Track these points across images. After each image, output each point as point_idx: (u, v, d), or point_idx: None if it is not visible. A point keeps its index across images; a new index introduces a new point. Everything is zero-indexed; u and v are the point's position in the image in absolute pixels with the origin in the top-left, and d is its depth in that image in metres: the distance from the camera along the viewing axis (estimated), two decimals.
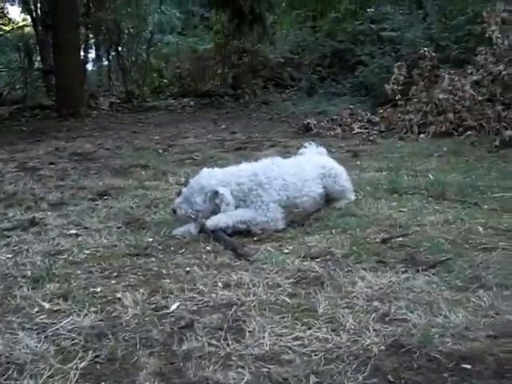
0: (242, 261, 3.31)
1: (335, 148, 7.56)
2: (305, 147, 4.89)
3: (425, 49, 8.83)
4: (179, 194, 4.28)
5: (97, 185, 5.51)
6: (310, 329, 2.42)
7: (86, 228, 4.08)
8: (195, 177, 4.05)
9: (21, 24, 20.39)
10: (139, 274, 3.17)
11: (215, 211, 3.88)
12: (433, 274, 3.01)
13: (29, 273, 3.17)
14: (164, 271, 3.19)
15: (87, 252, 3.54)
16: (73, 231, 3.98)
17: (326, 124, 9.38)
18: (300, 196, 4.09)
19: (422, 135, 8.24)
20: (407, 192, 4.87)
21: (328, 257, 3.37)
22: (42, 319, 2.57)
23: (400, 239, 3.63)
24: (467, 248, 3.43)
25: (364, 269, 3.12)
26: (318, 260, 3.31)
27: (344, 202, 4.47)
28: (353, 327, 2.42)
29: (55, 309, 2.67)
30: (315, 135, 8.95)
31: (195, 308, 2.68)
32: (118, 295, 2.83)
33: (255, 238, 3.79)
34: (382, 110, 9.01)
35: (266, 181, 3.94)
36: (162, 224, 4.11)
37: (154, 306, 2.72)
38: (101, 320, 2.56)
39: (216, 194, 3.83)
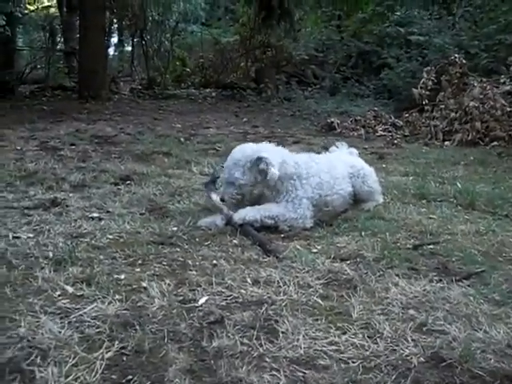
0: (271, 257, 3.21)
1: (359, 149, 7.37)
2: (336, 147, 4.76)
3: (455, 55, 8.66)
4: (207, 185, 4.19)
5: (119, 169, 5.41)
6: (344, 334, 2.32)
7: (108, 212, 3.98)
8: (229, 156, 3.90)
9: (46, 4, 20.37)
10: (164, 263, 3.07)
11: (259, 181, 3.74)
12: (468, 286, 2.90)
13: (51, 254, 3.07)
14: (190, 262, 3.09)
15: (110, 237, 3.44)
16: (95, 214, 3.89)
17: (349, 124, 9.26)
18: (331, 194, 3.99)
19: (446, 142, 8.12)
20: (435, 199, 4.77)
21: (358, 259, 3.26)
22: (64, 303, 2.48)
23: (431, 247, 3.53)
24: (501, 261, 3.32)
25: (397, 275, 3.02)
26: (349, 262, 3.21)
27: (372, 203, 4.36)
28: (390, 335, 2.31)
29: (78, 294, 2.57)
30: (338, 134, 8.85)
31: (224, 303, 2.58)
32: (144, 284, 2.73)
33: (282, 235, 3.69)
34: (407, 114, 8.86)
35: (305, 175, 3.85)
36: (186, 213, 4.01)
37: (181, 298, 2.61)
38: (126, 309, 2.46)
39: (259, 158, 3.69)
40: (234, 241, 3.50)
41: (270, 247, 3.30)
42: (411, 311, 2.57)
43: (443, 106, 8.44)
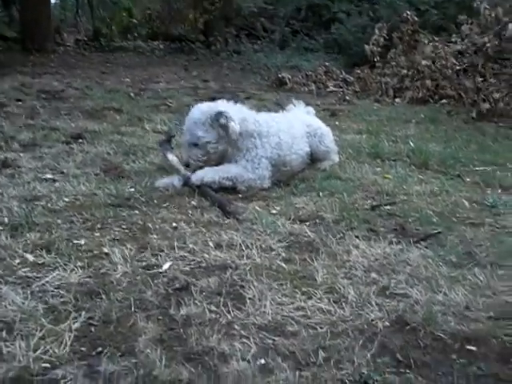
0: (231, 219, 3.20)
1: (311, 105, 7.41)
2: (293, 105, 4.72)
3: (407, 12, 8.67)
4: (161, 144, 4.11)
5: (70, 126, 5.24)
6: (310, 299, 2.34)
7: (62, 173, 3.87)
8: (187, 117, 3.84)
9: None
10: (124, 227, 3.02)
11: (222, 137, 3.70)
12: (426, 248, 2.97)
13: (6, 219, 2.96)
14: (150, 225, 3.04)
15: (66, 200, 3.34)
16: (49, 175, 3.77)
17: (300, 79, 9.21)
18: (289, 154, 3.99)
19: (397, 99, 8.20)
20: (389, 158, 4.84)
21: (318, 221, 3.29)
22: (25, 272, 2.41)
23: (388, 207, 3.59)
24: (455, 222, 3.42)
25: (357, 236, 3.06)
26: (308, 223, 3.23)
27: (328, 163, 4.39)
28: (354, 300, 2.35)
29: (39, 262, 2.50)
30: (289, 90, 8.82)
31: (188, 268, 2.56)
32: (105, 250, 2.68)
33: (240, 196, 3.67)
34: (359, 71, 8.88)
35: (265, 133, 3.83)
36: (142, 174, 3.94)
37: (144, 263, 2.58)
38: (89, 276, 2.42)
39: (219, 114, 3.65)
40: (193, 202, 3.46)
41: (230, 209, 3.28)
42: (373, 274, 2.61)
43: (394, 63, 8.49)
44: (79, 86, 7.75)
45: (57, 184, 3.61)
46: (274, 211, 3.41)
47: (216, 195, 3.51)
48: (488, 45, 6.90)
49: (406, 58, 8.48)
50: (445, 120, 6.82)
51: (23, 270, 2.43)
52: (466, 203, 3.78)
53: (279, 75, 9.15)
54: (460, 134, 6.01)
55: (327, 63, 9.85)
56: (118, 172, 3.98)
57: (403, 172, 4.43)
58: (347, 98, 8.05)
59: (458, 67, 7.38)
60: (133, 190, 3.59)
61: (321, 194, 3.75)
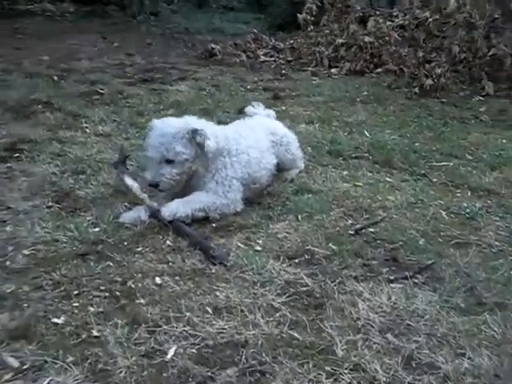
0: (217, 266, 2.91)
1: (248, 83, 7.12)
2: (252, 106, 4.40)
3: None
4: (116, 166, 3.73)
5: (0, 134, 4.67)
6: (339, 382, 2.14)
7: (9, 208, 3.41)
8: (149, 133, 3.46)
9: None
10: (103, 288, 2.68)
11: (198, 156, 3.40)
12: (424, 284, 2.86)
13: None
14: (132, 284, 2.72)
15: (26, 252, 2.94)
16: None
17: (230, 50, 8.81)
18: (259, 170, 3.73)
19: (333, 70, 8.01)
20: (351, 156, 4.73)
21: (307, 257, 3.10)
22: None
23: (372, 230, 3.43)
24: (442, 243, 3.34)
25: (355, 278, 2.89)
26: (298, 261, 3.04)
27: (294, 171, 4.17)
28: (384, 379, 2.17)
29: (24, 366, 2.14)
30: (220, 62, 8.42)
31: (195, 351, 2.29)
32: (94, 332, 2.35)
33: (214, 225, 3.39)
34: (292, 41, 8.59)
35: (235, 152, 3.54)
36: (99, 201, 3.58)
37: (143, 348, 2.29)
38: (87, 378, 2.09)
39: (194, 131, 3.33)
40: (168, 242, 3.15)
41: (214, 253, 2.98)
42: (390, 337, 2.45)
43: (328, 31, 8.23)
44: None
45: (8, 228, 3.18)
46: (257, 247, 3.16)
47: (192, 232, 3.21)
48: (430, 19, 6.77)
49: (338, 26, 8.24)
50: (388, 96, 6.71)
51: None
52: (444, 215, 3.72)
53: (208, 46, 8.68)
54: (409, 117, 5.93)
55: (255, 30, 9.45)
56: (73, 201, 3.58)
57: (370, 175, 4.31)
58: (283, 71, 7.76)
59: (399, 42, 7.21)
60: (97, 229, 3.22)
61: (299, 216, 3.53)
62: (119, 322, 2.43)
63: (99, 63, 7.83)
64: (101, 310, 2.51)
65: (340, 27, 8.10)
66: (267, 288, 2.75)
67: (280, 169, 4.07)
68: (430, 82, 6.60)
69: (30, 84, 6.36)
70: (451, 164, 4.62)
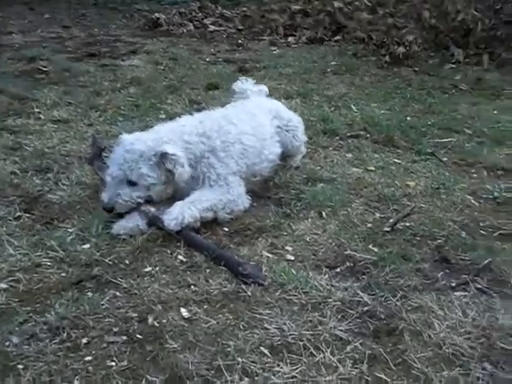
0: (252, 287, 2.35)
1: (207, 55, 6.45)
2: (241, 82, 3.77)
3: None
4: (91, 162, 3.09)
5: None
6: None
7: None
8: (116, 148, 2.85)
9: None
10: (117, 330, 2.08)
11: (168, 182, 2.80)
12: (506, 299, 2.39)
13: None
14: (153, 321, 2.13)
15: (3, 286, 2.27)
16: None
17: (176, 20, 8.06)
18: (260, 162, 3.16)
19: (290, 39, 7.45)
20: (347, 135, 4.25)
21: (349, 264, 2.59)
22: None
23: (407, 224, 2.95)
24: (486, 236, 2.97)
25: (416, 290, 2.43)
26: (340, 271, 2.53)
27: (298, 157, 3.63)
28: None
29: None
30: (167, 33, 7.68)
31: None
32: None
33: (226, 229, 2.82)
34: (244, 8, 7.93)
35: (221, 146, 2.94)
36: (78, 207, 2.92)
37: None
38: None
39: (164, 155, 2.72)
40: (180, 257, 2.56)
41: (246, 270, 2.41)
42: (489, 367, 2.03)
43: None
44: None
45: None
46: (289, 256, 2.64)
47: (211, 245, 2.62)
48: None
49: None
50: (358, 66, 6.23)
51: None
52: (473, 200, 3.32)
53: (152, 16, 7.89)
54: (389, 88, 5.50)
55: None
56: (44, 208, 2.90)
57: (378, 157, 3.86)
58: (239, 41, 7.13)
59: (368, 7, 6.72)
60: (87, 245, 2.58)
61: (323, 213, 3.02)
62: (155, 380, 1.82)
63: (34, 37, 6.90)
64: (124, 364, 1.90)
65: (323, 3, 7.46)
66: (322, 312, 2.24)
67: (284, 156, 3.49)
68: (402, 49, 6.17)
69: None
70: (454, 140, 4.26)
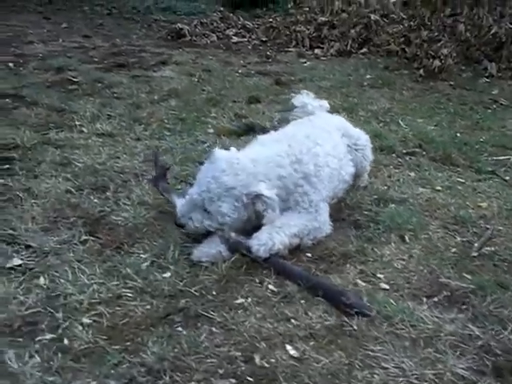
0: (357, 319, 2.17)
1: (238, 67, 6.29)
2: (301, 96, 3.58)
3: None
4: (156, 182, 2.93)
5: None
6: None
7: (29, 248, 2.52)
8: (206, 165, 2.64)
9: None
10: (222, 373, 1.91)
11: (249, 221, 2.60)
12: None
13: None
14: (261, 361, 1.95)
15: (86, 321, 2.09)
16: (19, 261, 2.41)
17: (198, 30, 7.92)
18: (339, 183, 2.99)
19: (317, 51, 7.31)
20: (403, 152, 4.10)
21: (446, 293, 2.42)
22: None
23: (491, 249, 2.83)
24: None
25: None
26: (438, 300, 2.36)
27: (365, 177, 3.46)
28: None
29: None
30: (190, 44, 7.52)
31: None
32: None
33: (309, 255, 2.65)
34: (271, 19, 7.80)
35: (313, 171, 2.73)
36: (145, 229, 2.74)
37: None
38: None
39: (258, 197, 2.51)
40: (271, 286, 2.38)
41: (349, 300, 2.23)
42: None
43: (307, 9, 7.51)
44: None
45: (41, 280, 2.30)
46: (382, 284, 2.46)
47: (305, 274, 2.44)
48: None
49: (317, 1, 7.53)
50: (394, 80, 6.09)
51: None
52: None
53: (174, 26, 7.74)
54: (430, 103, 5.38)
55: (221, 8, 8.58)
56: (109, 230, 2.71)
57: (441, 176, 3.69)
58: (268, 53, 6.99)
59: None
60: (167, 274, 2.39)
61: (405, 237, 2.85)
62: None
63: (56, 47, 6.72)
64: None
65: (320, 4, 7.34)
66: (436, 347, 2.07)
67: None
68: (437, 63, 6.04)
69: None
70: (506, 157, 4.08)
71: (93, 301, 2.18)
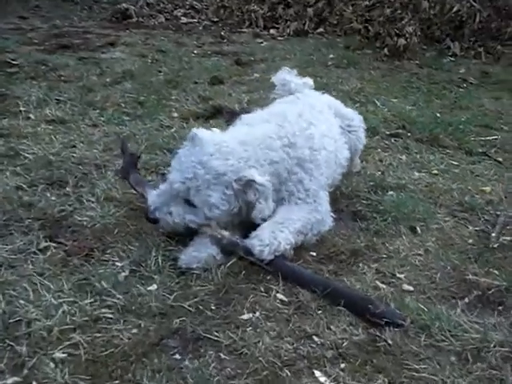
0: (389, 332, 1.82)
1: (193, 48, 5.83)
2: (283, 73, 3.16)
3: None
4: (123, 172, 2.50)
5: None
6: None
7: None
8: (188, 148, 2.20)
9: None
10: None
11: (238, 215, 2.19)
12: None
13: None
14: None
15: (60, 355, 1.66)
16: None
17: (145, 11, 7.38)
18: (336, 168, 2.63)
19: (272, 31, 6.92)
20: (387, 134, 3.77)
21: (476, 292, 2.14)
22: None
23: (508, 238, 2.52)
24: None
25: None
26: (469, 302, 2.07)
27: (357, 161, 3.12)
28: None
29: None
30: (138, 25, 6.96)
31: None
32: None
33: (314, 254, 2.28)
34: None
35: (309, 156, 2.36)
36: (117, 230, 2.29)
37: None
38: None
39: (249, 184, 2.11)
40: (279, 295, 1.99)
41: (378, 309, 1.87)
42: None
43: None
44: None
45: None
46: (406, 286, 2.12)
47: (319, 278, 2.06)
48: None
49: None
50: (359, 60, 5.76)
51: None
52: None
53: (119, 7, 7.17)
54: (401, 82, 5.09)
55: None
56: (74, 235, 2.26)
57: (433, 159, 3.42)
58: (222, 33, 6.55)
59: None
60: (153, 287, 1.96)
61: (417, 228, 2.52)
62: None
63: None
64: None
65: None
66: (488, 362, 1.78)
67: None
68: (402, 41, 5.76)
69: None
70: (497, 137, 3.87)
71: (64, 327, 1.74)
